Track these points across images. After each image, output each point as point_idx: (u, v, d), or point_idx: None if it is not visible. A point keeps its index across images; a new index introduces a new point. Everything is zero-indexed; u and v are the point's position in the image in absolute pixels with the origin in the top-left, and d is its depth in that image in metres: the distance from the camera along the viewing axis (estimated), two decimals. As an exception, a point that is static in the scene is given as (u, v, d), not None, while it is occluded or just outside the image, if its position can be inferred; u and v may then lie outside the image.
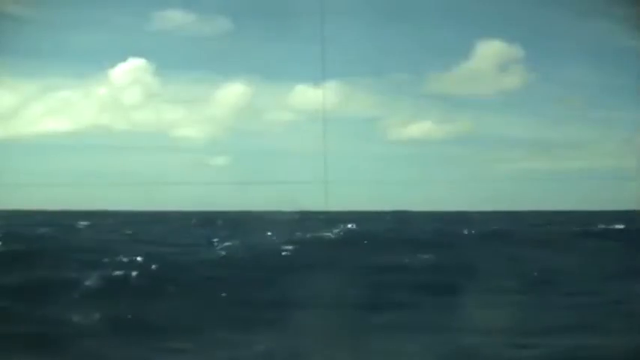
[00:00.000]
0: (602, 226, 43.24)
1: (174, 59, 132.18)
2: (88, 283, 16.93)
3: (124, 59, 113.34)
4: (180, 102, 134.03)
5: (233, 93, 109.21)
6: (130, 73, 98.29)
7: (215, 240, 32.53)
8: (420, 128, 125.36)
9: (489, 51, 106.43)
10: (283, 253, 25.47)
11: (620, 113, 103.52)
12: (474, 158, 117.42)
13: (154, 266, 19.63)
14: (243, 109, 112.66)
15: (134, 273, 18.09)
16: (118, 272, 18.37)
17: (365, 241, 31.39)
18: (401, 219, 64.97)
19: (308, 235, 34.48)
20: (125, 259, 20.86)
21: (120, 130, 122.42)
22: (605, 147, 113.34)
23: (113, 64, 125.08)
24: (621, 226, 42.06)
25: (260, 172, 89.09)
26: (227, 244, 29.72)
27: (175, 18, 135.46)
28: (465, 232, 39.56)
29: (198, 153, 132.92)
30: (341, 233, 36.74)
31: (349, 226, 42.37)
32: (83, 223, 50.35)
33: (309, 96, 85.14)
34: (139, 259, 20.77)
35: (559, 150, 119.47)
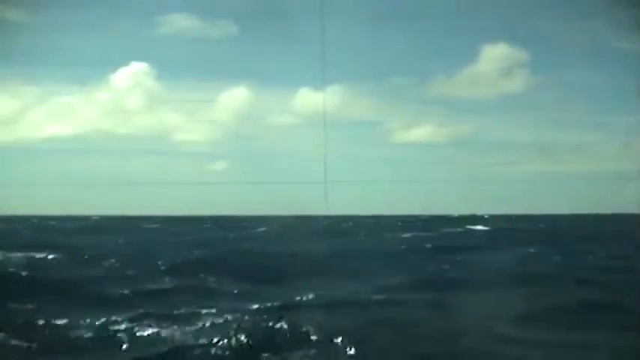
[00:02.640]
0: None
1: (176, 63, 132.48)
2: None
3: (126, 63, 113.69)
4: (182, 106, 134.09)
5: (235, 97, 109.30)
6: (131, 77, 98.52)
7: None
8: (423, 132, 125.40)
9: (492, 54, 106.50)
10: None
11: (621, 116, 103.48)
12: (476, 161, 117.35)
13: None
14: (246, 112, 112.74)
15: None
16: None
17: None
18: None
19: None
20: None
21: (122, 134, 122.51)
22: (605, 150, 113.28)
23: (115, 69, 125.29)
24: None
25: (262, 176, 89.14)
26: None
27: (177, 22, 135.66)
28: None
29: (200, 157, 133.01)
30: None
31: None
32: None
33: (312, 100, 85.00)
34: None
35: (560, 153, 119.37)
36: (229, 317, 13.08)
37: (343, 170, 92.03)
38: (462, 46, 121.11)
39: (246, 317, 13.14)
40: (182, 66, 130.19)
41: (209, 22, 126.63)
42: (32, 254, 26.46)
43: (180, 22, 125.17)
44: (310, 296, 15.63)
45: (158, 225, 62.49)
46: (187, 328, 12.31)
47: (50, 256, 26.10)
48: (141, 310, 13.73)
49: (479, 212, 79.70)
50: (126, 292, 17.07)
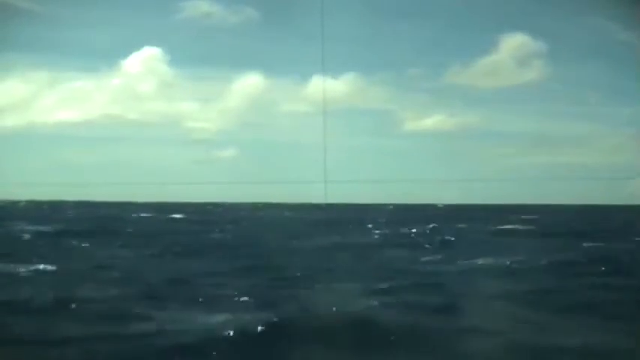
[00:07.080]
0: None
1: (188, 51, 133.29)
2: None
3: (138, 49, 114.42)
4: (191, 90, 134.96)
5: (246, 85, 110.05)
6: (144, 63, 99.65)
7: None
8: (434, 121, 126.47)
9: (507, 45, 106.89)
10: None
11: (631, 109, 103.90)
12: (484, 152, 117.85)
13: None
14: (257, 100, 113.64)
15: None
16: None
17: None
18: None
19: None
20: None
21: (135, 120, 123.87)
22: (613, 142, 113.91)
23: (127, 55, 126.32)
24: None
25: (271, 164, 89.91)
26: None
27: (195, 8, 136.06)
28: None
29: (209, 143, 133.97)
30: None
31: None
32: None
33: (326, 89, 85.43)
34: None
35: (568, 145, 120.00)
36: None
37: (347, 160, 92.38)
38: (479, 36, 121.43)
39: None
40: (193, 53, 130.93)
41: (216, 11, 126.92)
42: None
43: (201, 8, 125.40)
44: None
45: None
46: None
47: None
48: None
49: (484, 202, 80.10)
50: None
